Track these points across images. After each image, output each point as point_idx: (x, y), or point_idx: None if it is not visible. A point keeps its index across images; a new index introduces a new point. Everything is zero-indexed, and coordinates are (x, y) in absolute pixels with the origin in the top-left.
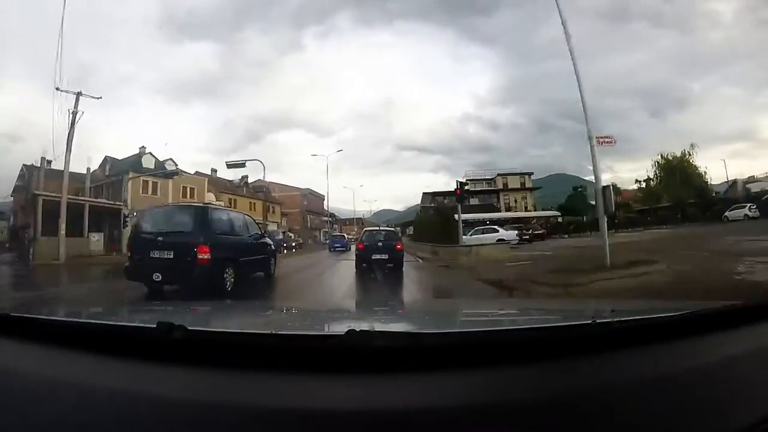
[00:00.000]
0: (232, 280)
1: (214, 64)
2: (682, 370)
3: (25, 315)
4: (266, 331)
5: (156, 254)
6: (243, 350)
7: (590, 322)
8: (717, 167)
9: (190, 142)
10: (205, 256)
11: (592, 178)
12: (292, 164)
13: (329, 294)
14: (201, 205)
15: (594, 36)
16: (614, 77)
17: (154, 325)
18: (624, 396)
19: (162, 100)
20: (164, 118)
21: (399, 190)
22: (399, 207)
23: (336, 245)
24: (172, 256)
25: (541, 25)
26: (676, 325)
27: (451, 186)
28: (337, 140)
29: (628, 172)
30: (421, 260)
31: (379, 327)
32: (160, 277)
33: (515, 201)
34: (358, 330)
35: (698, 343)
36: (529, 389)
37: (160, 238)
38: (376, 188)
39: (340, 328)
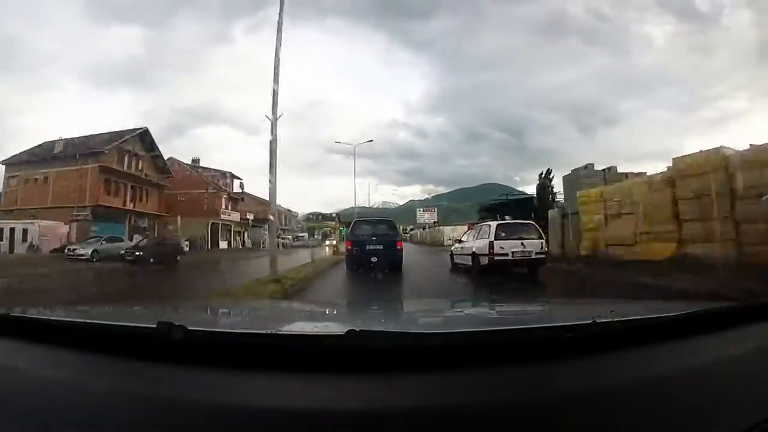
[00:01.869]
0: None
1: (140, 49)
2: (681, 370)
3: (25, 315)
4: (266, 331)
5: (371, 246)
6: (243, 350)
7: (590, 322)
8: None
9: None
10: (400, 246)
11: (522, 188)
12: (222, 160)
13: None
14: (391, 219)
15: (528, 49)
16: (546, 91)
17: (154, 325)
18: (624, 396)
19: (87, 84)
20: (88, 104)
21: (327, 193)
22: (328, 210)
23: None
24: (381, 247)
25: (476, 36)
26: (676, 325)
27: (375, 189)
28: (265, 139)
29: (556, 186)
30: None
31: (378, 327)
32: (375, 258)
33: None
34: (358, 330)
35: (698, 343)
36: (529, 389)
37: (373, 236)
38: (304, 190)
39: (340, 328)
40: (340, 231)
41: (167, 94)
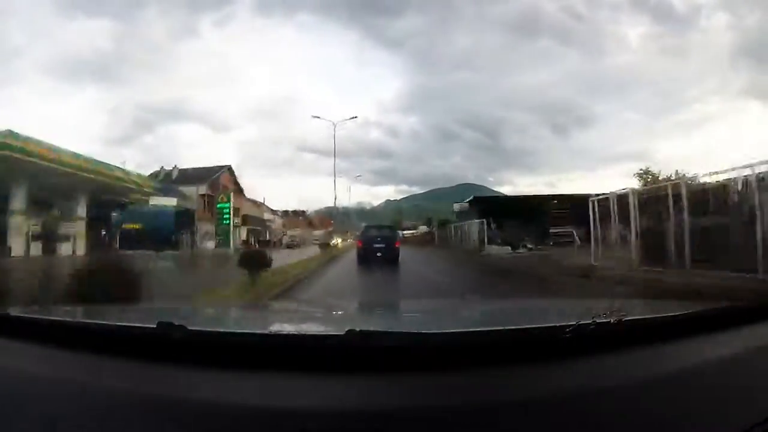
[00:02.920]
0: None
1: (107, 43)
2: (681, 370)
3: (25, 315)
4: (266, 331)
5: (377, 244)
6: (243, 350)
7: (590, 322)
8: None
9: (83, 129)
10: (398, 245)
11: (500, 189)
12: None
13: None
14: (393, 225)
15: (502, 48)
16: (519, 90)
17: (154, 325)
18: (624, 396)
19: (51, 79)
20: (53, 99)
21: (301, 193)
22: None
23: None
24: (384, 245)
25: (448, 35)
26: (676, 325)
27: (354, 191)
28: (235, 137)
29: (527, 186)
30: None
31: (378, 327)
32: (379, 253)
33: None
34: (357, 330)
35: (698, 343)
36: (529, 389)
37: (378, 237)
38: (278, 190)
39: (339, 328)
40: (221, 221)
41: (134, 90)
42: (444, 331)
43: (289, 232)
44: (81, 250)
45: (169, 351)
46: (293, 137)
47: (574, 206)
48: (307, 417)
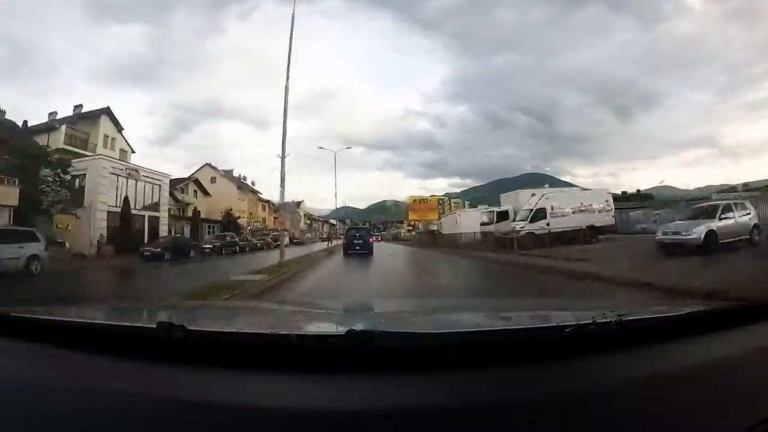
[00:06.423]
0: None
1: (141, 47)
2: (681, 370)
3: (25, 315)
4: (266, 331)
5: (356, 241)
6: (243, 350)
7: (590, 322)
8: (680, 174)
9: (130, 132)
10: (373, 241)
11: (565, 178)
12: (239, 160)
13: None
14: (367, 227)
15: (549, 22)
16: (571, 69)
17: (154, 325)
18: (624, 396)
19: (92, 86)
20: (95, 105)
21: (353, 188)
22: (359, 205)
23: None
24: (362, 241)
25: (488, 11)
26: (676, 325)
27: (401, 183)
28: (279, 133)
29: (587, 178)
30: None
31: (379, 327)
32: (358, 247)
33: None
34: (358, 330)
35: (698, 343)
36: (529, 389)
37: (357, 235)
38: (329, 186)
39: (340, 328)
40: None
41: (171, 91)
42: (444, 331)
43: None
44: None
45: (169, 351)
46: (338, 132)
47: None
48: (308, 417)
